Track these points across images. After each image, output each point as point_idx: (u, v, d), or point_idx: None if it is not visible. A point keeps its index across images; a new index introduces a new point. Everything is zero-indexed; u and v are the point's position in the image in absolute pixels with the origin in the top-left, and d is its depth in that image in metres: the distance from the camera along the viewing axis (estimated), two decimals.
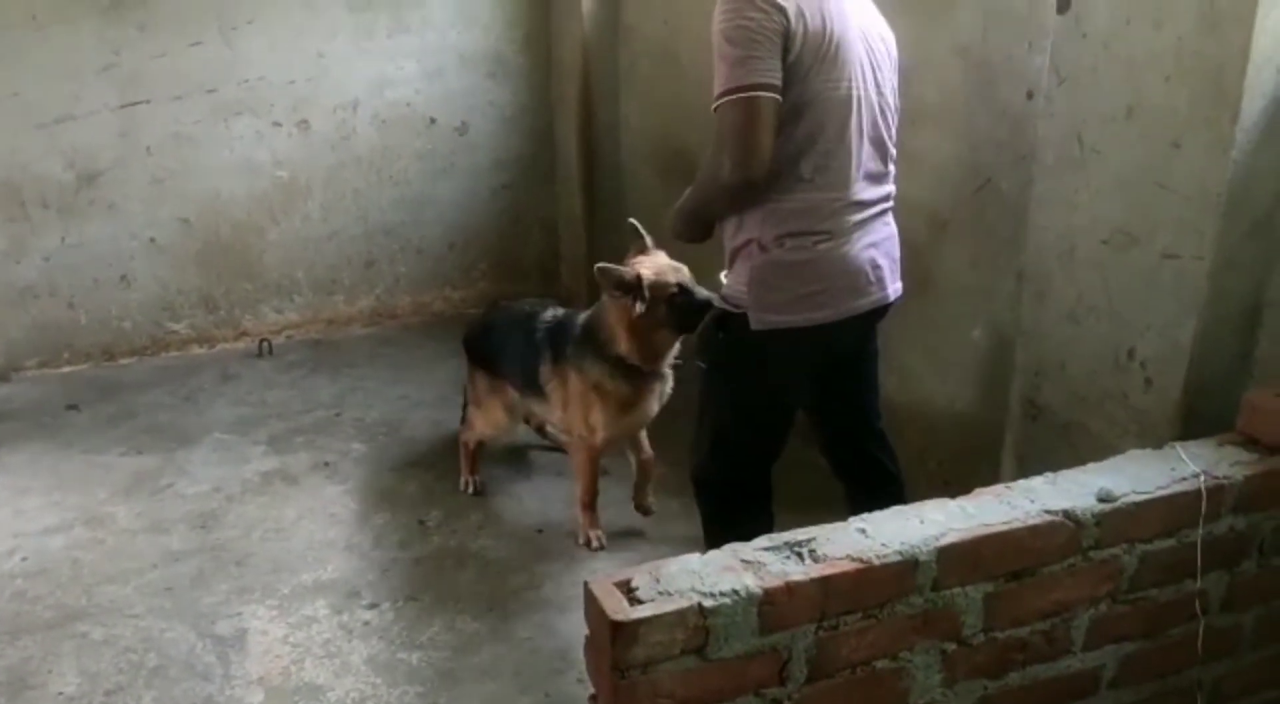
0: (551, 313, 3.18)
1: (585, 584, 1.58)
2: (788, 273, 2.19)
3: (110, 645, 2.66)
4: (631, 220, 2.96)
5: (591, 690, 1.63)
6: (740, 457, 2.42)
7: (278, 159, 4.38)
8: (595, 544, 3.10)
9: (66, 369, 4.22)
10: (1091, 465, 1.88)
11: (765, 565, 1.61)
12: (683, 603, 1.53)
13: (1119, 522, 1.77)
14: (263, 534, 3.17)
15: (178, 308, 4.40)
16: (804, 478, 2.75)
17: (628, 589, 1.55)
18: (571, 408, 3.03)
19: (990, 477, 2.36)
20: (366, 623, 2.76)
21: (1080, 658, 1.83)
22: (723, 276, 2.35)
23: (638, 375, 2.91)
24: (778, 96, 2.02)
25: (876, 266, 2.27)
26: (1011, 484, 1.82)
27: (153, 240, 4.28)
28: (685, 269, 2.83)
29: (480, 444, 3.40)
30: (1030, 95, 2.49)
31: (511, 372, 3.22)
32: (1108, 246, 2.19)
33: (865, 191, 2.21)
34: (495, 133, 4.71)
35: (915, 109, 2.91)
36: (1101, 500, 1.76)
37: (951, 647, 1.71)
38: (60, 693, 2.50)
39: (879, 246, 2.27)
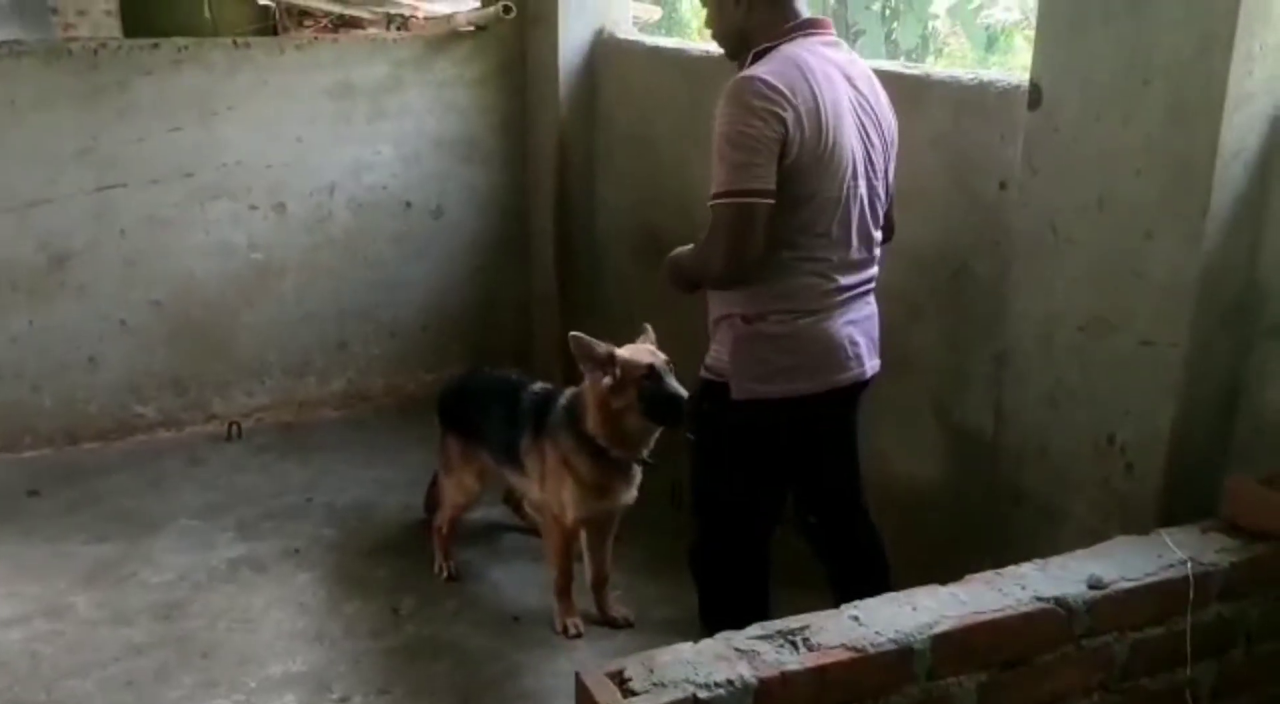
0: (539, 386, 3.17)
1: (577, 675, 1.55)
2: (769, 345, 2.26)
3: None
4: (646, 325, 2.98)
5: None
6: (731, 530, 2.44)
7: (253, 242, 4.38)
8: (572, 631, 3.04)
9: (28, 454, 4.11)
10: (1080, 552, 1.89)
11: (759, 654, 1.59)
12: (677, 694, 1.51)
13: (1110, 609, 1.77)
14: (229, 624, 3.07)
15: (145, 391, 4.34)
16: (785, 558, 2.73)
17: (620, 680, 1.53)
18: (547, 483, 3.00)
19: (970, 563, 2.35)
20: None
21: None
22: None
23: (607, 459, 2.87)
24: (772, 201, 2.11)
25: (855, 343, 2.33)
26: (1002, 571, 1.82)
27: (123, 322, 4.23)
28: (664, 356, 2.83)
29: (454, 526, 3.34)
30: (1003, 185, 2.55)
31: (491, 440, 3.20)
32: (1084, 333, 2.23)
33: (849, 278, 2.29)
34: (470, 216, 4.74)
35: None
36: (1092, 587, 1.77)
37: None
38: None
39: (858, 324, 2.34)
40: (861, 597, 2.09)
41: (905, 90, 2.87)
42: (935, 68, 2.93)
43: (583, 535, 3.09)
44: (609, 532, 3.10)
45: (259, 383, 4.53)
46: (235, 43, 4.28)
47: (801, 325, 2.25)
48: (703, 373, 2.39)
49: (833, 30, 2.27)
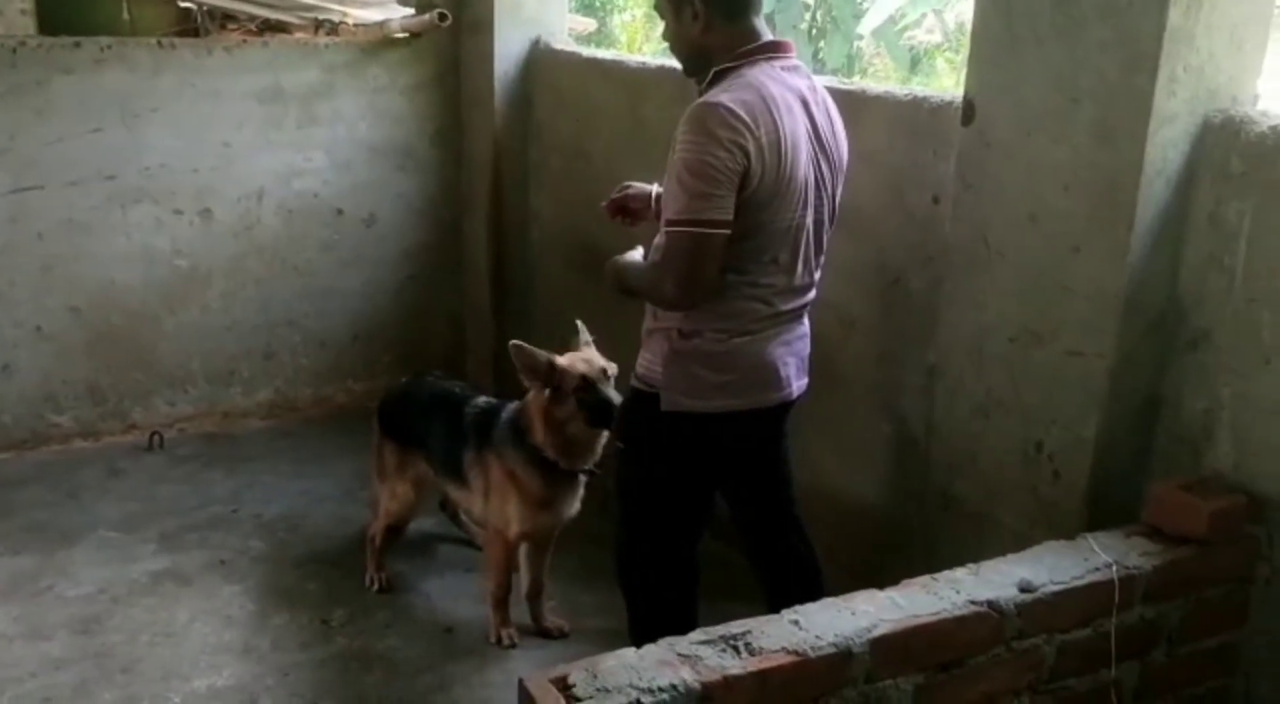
0: (484, 400, 3.14)
1: (520, 681, 1.54)
2: (702, 361, 2.28)
3: None
4: (578, 321, 2.97)
5: None
6: (656, 538, 2.45)
7: (177, 247, 4.27)
8: (507, 642, 3.01)
9: None
10: (1010, 556, 1.94)
11: (702, 659, 1.60)
12: (621, 699, 1.50)
13: (1039, 611, 1.81)
14: (151, 638, 2.99)
15: (62, 400, 4.20)
16: (717, 573, 2.74)
17: (564, 686, 1.52)
18: (491, 498, 2.97)
19: (901, 568, 2.39)
20: None
21: None
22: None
23: (554, 471, 2.87)
24: (728, 232, 2.13)
25: (785, 364, 2.36)
26: (937, 575, 1.86)
27: (39, 329, 4.09)
28: (601, 364, 2.83)
29: (387, 538, 3.29)
30: (936, 199, 2.61)
31: (432, 451, 3.16)
32: (1014, 344, 2.29)
33: (788, 303, 2.33)
34: (403, 225, 4.69)
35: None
36: (1023, 591, 1.81)
37: None
38: None
39: (790, 346, 2.38)
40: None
41: (841, 106, 2.90)
42: (870, 84, 2.98)
43: (522, 547, 3.07)
44: (549, 544, 3.08)
45: (182, 392, 4.42)
46: (160, 43, 4.18)
47: (735, 344, 2.27)
48: (633, 381, 2.41)
49: (794, 53, 2.27)
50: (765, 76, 2.17)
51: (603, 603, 3.16)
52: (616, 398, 2.71)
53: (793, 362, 2.38)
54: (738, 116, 2.08)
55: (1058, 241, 2.16)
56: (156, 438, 4.23)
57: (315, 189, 4.48)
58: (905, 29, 10.90)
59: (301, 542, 3.55)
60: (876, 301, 2.87)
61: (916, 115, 2.67)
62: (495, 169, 4.46)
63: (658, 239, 2.34)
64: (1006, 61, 2.22)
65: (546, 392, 2.76)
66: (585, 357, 2.84)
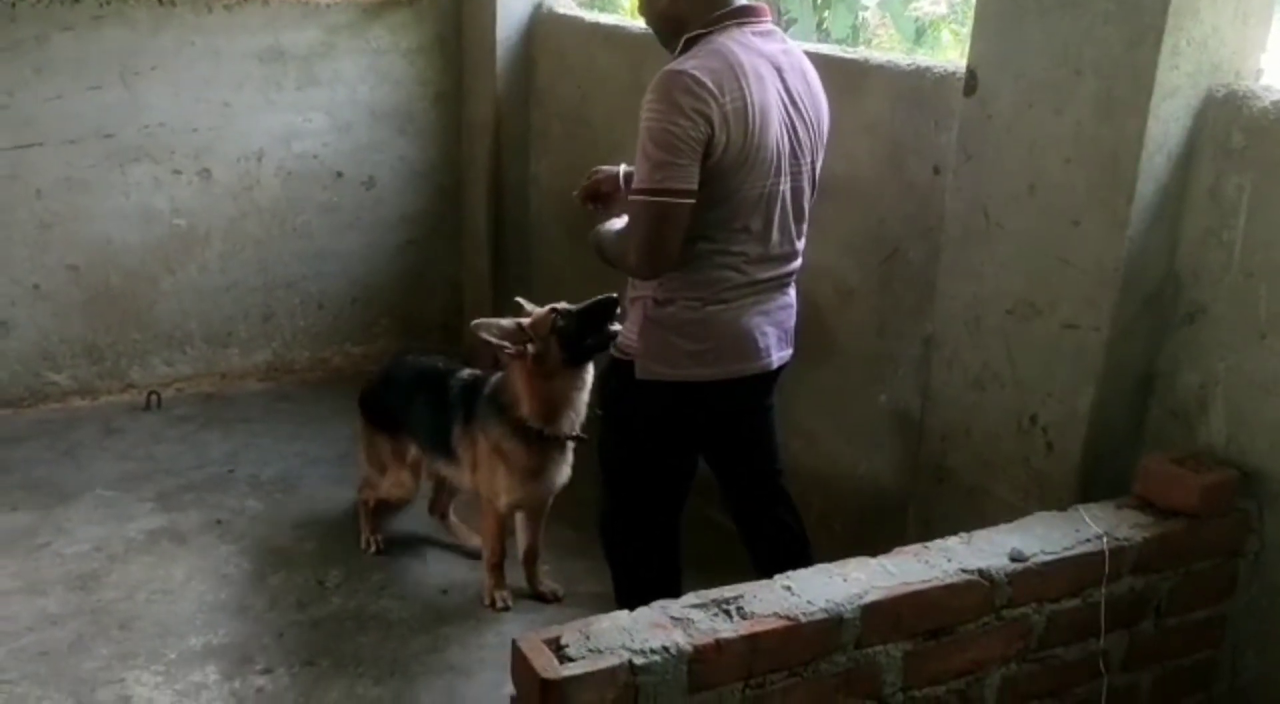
0: (467, 372, 3.14)
1: (514, 641, 1.56)
2: (677, 330, 2.28)
3: None
4: (517, 299, 2.98)
5: None
6: (637, 505, 2.47)
7: (176, 207, 4.26)
8: (500, 605, 3.04)
9: None
10: (1002, 526, 1.95)
11: (694, 622, 1.61)
12: (613, 660, 1.52)
13: (1029, 581, 1.83)
14: (148, 596, 3.01)
15: (59, 358, 4.20)
16: (705, 539, 2.76)
17: (557, 647, 1.54)
18: (480, 470, 2.98)
19: (894, 540, 2.40)
20: (260, 689, 2.64)
21: None
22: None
23: (539, 440, 2.86)
24: (692, 201, 2.11)
25: (764, 334, 2.35)
26: (929, 544, 1.87)
27: (36, 287, 4.09)
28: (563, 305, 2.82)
29: (381, 502, 3.31)
30: (937, 170, 2.61)
31: (419, 430, 3.15)
32: (1012, 316, 2.29)
33: (765, 272, 2.31)
34: (403, 188, 4.67)
35: (824, 181, 2.99)
36: (1013, 560, 1.83)
37: None
38: None
39: (769, 315, 2.36)
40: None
41: (843, 75, 2.90)
42: (873, 53, 2.96)
43: (518, 514, 3.09)
44: (543, 511, 3.10)
45: (180, 352, 4.42)
46: (160, 0, 4.15)
47: (709, 312, 2.26)
48: (611, 350, 2.43)
49: (769, 18, 2.24)
50: (734, 43, 2.15)
51: (596, 569, 3.16)
52: (600, 298, 2.68)
53: (772, 332, 2.37)
54: (701, 84, 2.06)
55: (1057, 214, 2.16)
56: (154, 398, 4.24)
57: (315, 151, 4.46)
58: (911, 0, 10.82)
59: (297, 503, 3.57)
60: (874, 272, 2.87)
61: (919, 85, 2.66)
62: (496, 134, 4.44)
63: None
64: (1010, 32, 2.20)
65: (529, 350, 2.75)
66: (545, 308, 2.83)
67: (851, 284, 2.96)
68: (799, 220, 2.34)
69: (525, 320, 2.80)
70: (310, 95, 4.39)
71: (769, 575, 1.78)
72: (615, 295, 2.67)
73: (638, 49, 3.78)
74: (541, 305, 2.85)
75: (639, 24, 4.06)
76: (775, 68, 2.20)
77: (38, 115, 3.94)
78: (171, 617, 2.90)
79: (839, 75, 2.91)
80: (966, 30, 4.72)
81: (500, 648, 2.83)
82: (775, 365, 2.40)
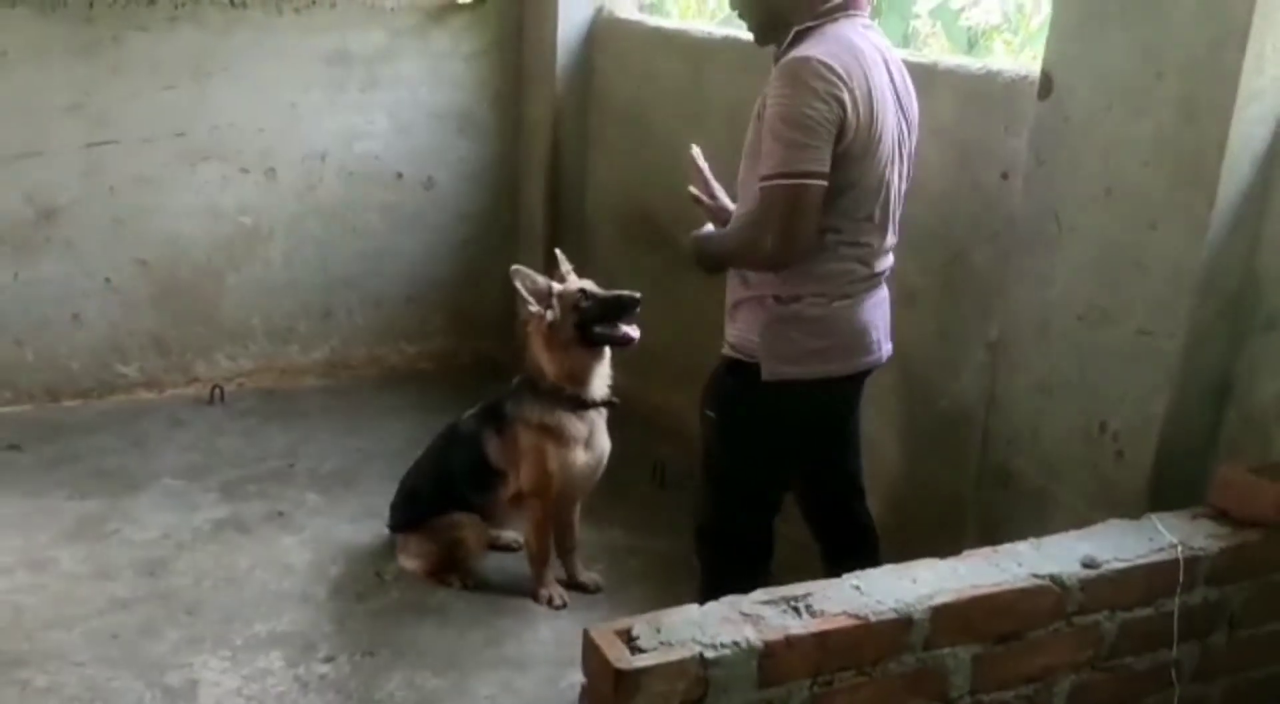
0: (471, 410, 3.15)
1: (585, 632, 1.57)
2: (803, 326, 2.26)
3: (54, 693, 2.55)
4: (556, 249, 3.09)
5: None
6: (744, 508, 2.45)
7: (242, 205, 4.34)
8: (558, 602, 3.06)
9: (8, 409, 4.06)
10: (1073, 532, 1.93)
11: (765, 618, 1.61)
12: (684, 653, 1.52)
13: (1102, 588, 1.81)
14: (214, 583, 3.07)
15: (128, 351, 4.29)
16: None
17: (629, 638, 1.55)
18: (525, 465, 2.99)
19: (952, 543, 2.39)
20: (323, 676, 2.68)
21: None
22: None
23: (577, 404, 2.92)
24: (825, 184, 2.10)
25: (876, 328, 2.37)
26: (999, 547, 1.86)
27: (108, 281, 4.18)
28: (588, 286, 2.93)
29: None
30: (1005, 175, 2.59)
31: (461, 489, 3.08)
32: (1082, 322, 2.27)
33: (882, 263, 2.33)
34: (461, 189, 4.72)
35: None
36: (1086, 566, 1.81)
37: None
38: None
39: (880, 307, 2.38)
40: None
41: (912, 78, 2.89)
42: (944, 56, 2.95)
43: None
44: (586, 492, 3.13)
45: (242, 347, 4.50)
46: (232, 2, 4.21)
47: (835, 308, 2.26)
48: (727, 351, 2.40)
49: (868, 11, 2.26)
50: (850, 32, 2.16)
51: (647, 570, 3.23)
52: (621, 293, 2.86)
53: (882, 325, 2.39)
54: (831, 69, 2.06)
55: (1133, 218, 2.14)
56: (217, 391, 4.32)
57: (376, 152, 4.52)
58: (964, 9, 10.75)
59: (355, 497, 3.61)
60: (938, 275, 2.85)
61: (989, 89, 2.65)
62: (554, 136, 4.47)
63: (737, 209, 2.34)
64: (1089, 35, 2.18)
65: (549, 315, 2.84)
66: (578, 281, 2.95)
67: (914, 287, 2.94)
68: (899, 212, 2.34)
69: (557, 286, 2.89)
70: (373, 97, 4.45)
71: (842, 573, 1.78)
72: (639, 295, 2.81)
73: (697, 53, 3.80)
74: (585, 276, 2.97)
75: (700, 28, 4.10)
76: (883, 58, 2.21)
77: (113, 114, 4.04)
78: (237, 603, 2.96)
79: (910, 77, 2.91)
80: (1020, 39, 4.69)
81: (554, 643, 2.88)
82: (884, 358, 2.41)
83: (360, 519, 3.47)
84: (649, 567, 3.28)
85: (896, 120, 2.23)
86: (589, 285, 2.94)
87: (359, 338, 4.72)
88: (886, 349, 2.42)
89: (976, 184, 2.71)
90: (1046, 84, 2.29)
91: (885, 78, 2.19)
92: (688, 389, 4.00)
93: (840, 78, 2.07)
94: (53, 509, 3.40)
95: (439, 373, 4.70)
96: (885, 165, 2.20)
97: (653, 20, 4.23)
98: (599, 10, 4.34)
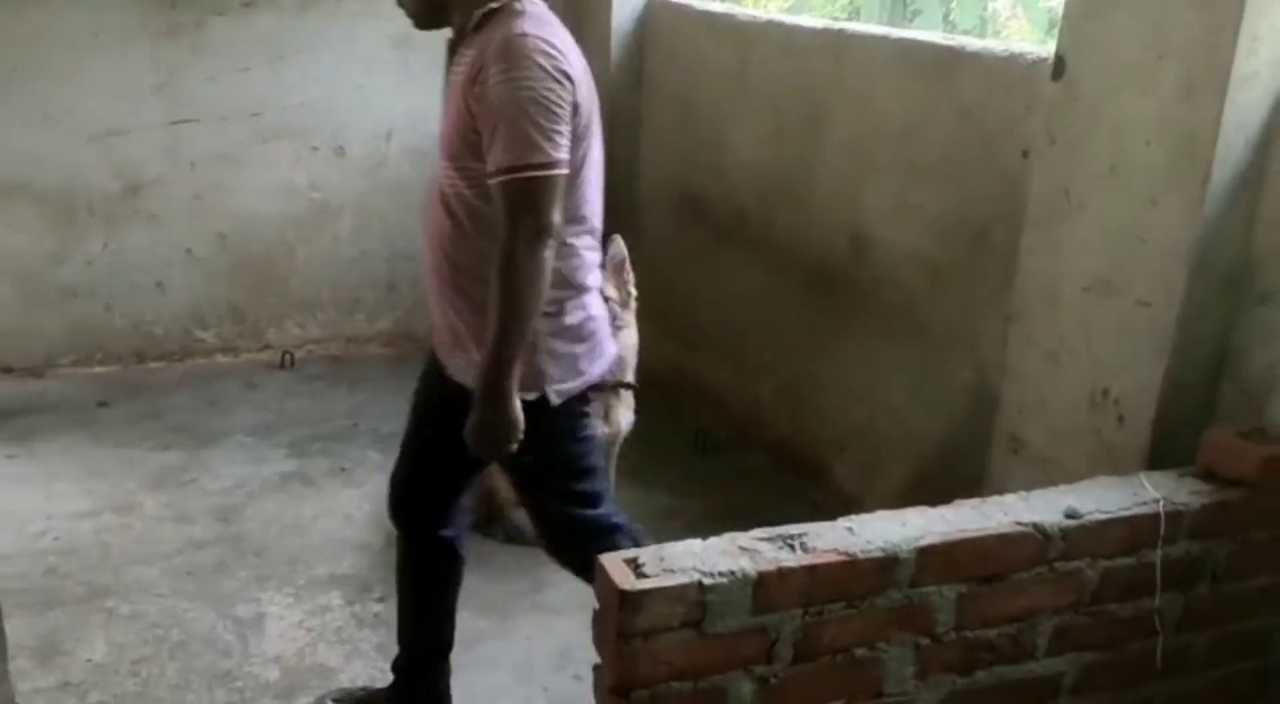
0: None
1: (598, 559, 1.75)
2: (572, 334, 2.17)
3: (136, 620, 2.82)
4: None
5: (596, 661, 1.78)
6: (605, 508, 2.37)
7: (313, 182, 4.60)
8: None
9: (99, 369, 4.40)
10: (1062, 487, 2.05)
11: (760, 552, 1.77)
12: (684, 579, 1.69)
13: (1083, 537, 1.93)
14: (281, 529, 3.32)
15: (207, 317, 4.59)
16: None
17: (635, 565, 1.72)
18: None
19: None
20: (377, 615, 2.91)
21: (1043, 663, 1.98)
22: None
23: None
24: (568, 171, 2.00)
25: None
26: (987, 498, 1.99)
27: (189, 251, 4.48)
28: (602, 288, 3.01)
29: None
30: (1026, 154, 2.70)
31: None
32: (1089, 293, 2.38)
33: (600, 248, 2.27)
34: None
35: (917, 164, 3.13)
36: (1068, 517, 1.93)
37: (925, 641, 1.87)
38: (89, 660, 2.65)
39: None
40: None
41: (937, 62, 3.02)
42: (968, 39, 3.05)
43: None
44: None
45: (311, 317, 4.77)
46: None
47: (588, 302, 2.19)
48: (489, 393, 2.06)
49: None
50: (542, 11, 2.06)
51: (686, 531, 3.36)
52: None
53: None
54: (554, 46, 1.97)
55: (1136, 194, 2.24)
56: (287, 357, 4.60)
57: (439, 132, 4.73)
58: None
59: None
60: (962, 252, 2.97)
61: (1012, 70, 2.75)
62: (607, 118, 4.58)
63: (436, 211, 2.16)
64: (1099, 18, 2.28)
65: None
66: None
67: (939, 265, 3.07)
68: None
69: None
70: (436, 79, 4.64)
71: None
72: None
73: (744, 36, 3.93)
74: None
75: (748, 12, 4.23)
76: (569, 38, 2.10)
77: (194, 94, 4.32)
78: (301, 548, 3.21)
79: (933, 61, 3.03)
80: None
81: (590, 592, 3.03)
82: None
83: None
84: (687, 527, 3.40)
85: (596, 99, 2.15)
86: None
87: (421, 310, 4.89)
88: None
89: (999, 163, 2.82)
90: (1060, 65, 2.39)
91: (577, 52, 2.09)
92: (730, 362, 4.18)
93: (563, 54, 1.98)
94: (137, 459, 3.70)
95: None
96: (598, 148, 2.15)
97: (701, 4, 4.37)
98: None
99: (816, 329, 3.66)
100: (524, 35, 1.96)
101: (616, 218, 4.70)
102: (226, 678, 2.62)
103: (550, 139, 1.95)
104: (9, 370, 4.24)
